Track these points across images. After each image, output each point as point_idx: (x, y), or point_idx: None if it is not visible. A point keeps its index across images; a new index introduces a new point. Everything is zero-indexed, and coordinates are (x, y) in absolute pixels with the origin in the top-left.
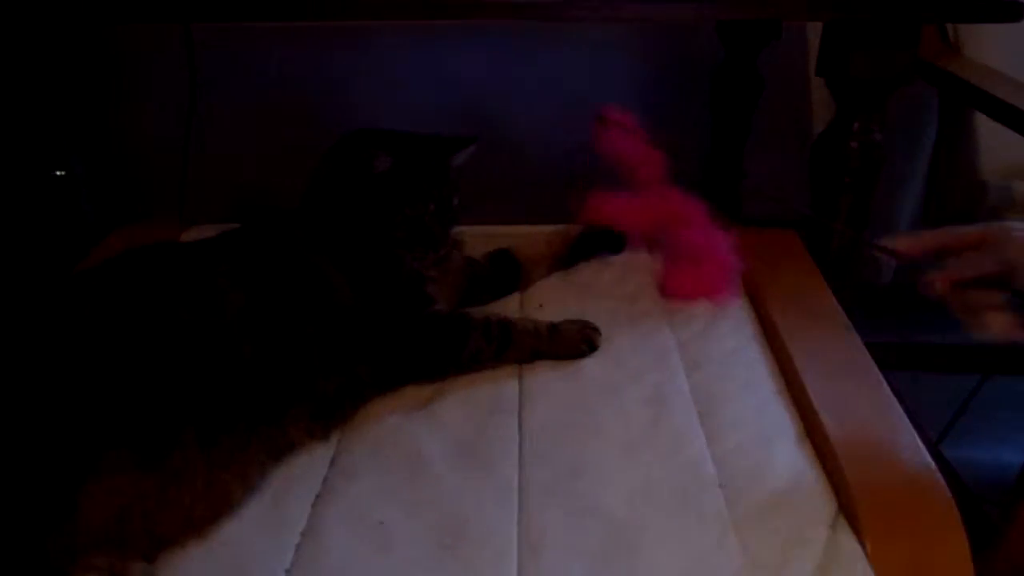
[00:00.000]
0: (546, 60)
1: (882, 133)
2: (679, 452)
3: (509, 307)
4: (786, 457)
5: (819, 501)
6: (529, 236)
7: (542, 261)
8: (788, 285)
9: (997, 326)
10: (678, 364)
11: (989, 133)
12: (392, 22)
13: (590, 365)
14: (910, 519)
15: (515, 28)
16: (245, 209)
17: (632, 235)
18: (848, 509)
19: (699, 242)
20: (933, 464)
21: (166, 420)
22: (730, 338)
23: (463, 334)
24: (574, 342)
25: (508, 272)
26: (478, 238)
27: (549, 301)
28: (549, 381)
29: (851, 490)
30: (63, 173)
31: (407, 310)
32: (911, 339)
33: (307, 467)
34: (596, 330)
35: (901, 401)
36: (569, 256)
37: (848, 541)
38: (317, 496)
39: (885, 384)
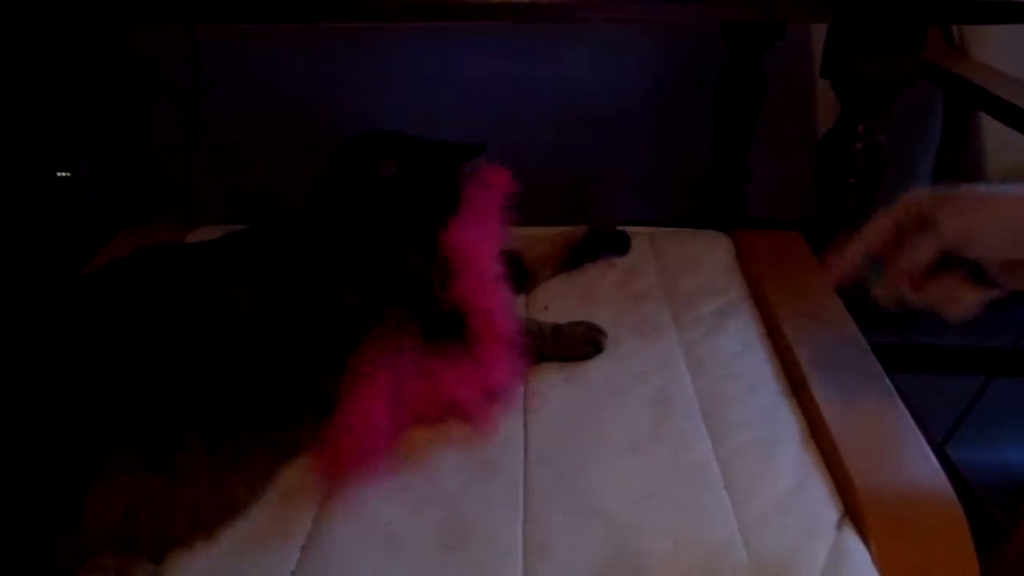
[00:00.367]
0: (551, 61)
1: (887, 134)
2: (684, 453)
3: None
4: (791, 459)
5: (824, 503)
6: (534, 238)
7: (547, 263)
8: (793, 287)
9: (971, 301)
10: (683, 365)
11: (994, 134)
12: (397, 24)
13: (595, 367)
14: (915, 520)
15: (520, 30)
16: (250, 211)
17: None
18: (853, 510)
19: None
20: (938, 466)
21: (173, 421)
22: (735, 340)
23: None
24: (579, 344)
25: (513, 274)
26: None
27: (554, 303)
28: (554, 383)
29: (856, 492)
30: (68, 175)
31: (413, 312)
32: (915, 340)
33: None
34: (601, 332)
35: (906, 403)
36: (574, 258)
37: (853, 542)
38: (323, 497)
39: (890, 386)
